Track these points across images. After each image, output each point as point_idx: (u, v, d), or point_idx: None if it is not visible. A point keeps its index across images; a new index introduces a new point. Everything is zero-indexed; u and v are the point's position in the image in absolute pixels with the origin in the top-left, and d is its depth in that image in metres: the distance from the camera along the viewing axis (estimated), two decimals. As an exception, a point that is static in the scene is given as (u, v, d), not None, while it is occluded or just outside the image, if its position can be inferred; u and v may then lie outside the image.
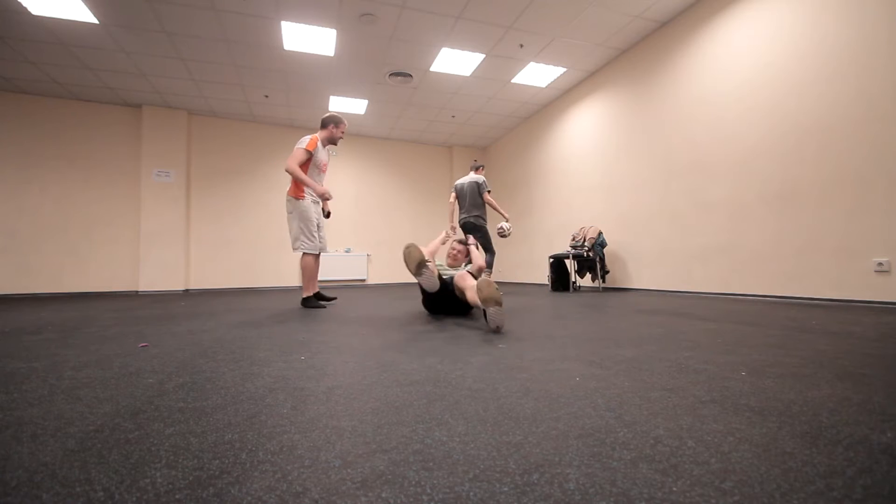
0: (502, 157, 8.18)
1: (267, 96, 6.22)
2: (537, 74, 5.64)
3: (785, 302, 3.25)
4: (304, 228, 3.32)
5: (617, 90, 5.25)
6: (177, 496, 0.57)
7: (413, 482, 0.60)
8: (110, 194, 6.38)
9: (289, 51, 4.95)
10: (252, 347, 1.67)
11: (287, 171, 3.26)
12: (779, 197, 3.47)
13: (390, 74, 5.60)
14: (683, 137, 4.34)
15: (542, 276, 6.67)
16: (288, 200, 3.34)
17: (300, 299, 3.41)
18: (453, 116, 7.11)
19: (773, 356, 1.38)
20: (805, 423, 0.80)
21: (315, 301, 3.35)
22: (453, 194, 5.05)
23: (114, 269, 6.33)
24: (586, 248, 5.04)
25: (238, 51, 4.93)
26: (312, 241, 3.34)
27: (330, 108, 6.68)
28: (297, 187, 3.33)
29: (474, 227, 4.85)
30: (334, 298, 3.63)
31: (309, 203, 3.35)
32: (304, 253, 3.33)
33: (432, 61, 5.26)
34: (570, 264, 5.35)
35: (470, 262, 2.92)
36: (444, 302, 2.64)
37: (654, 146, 4.70)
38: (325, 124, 3.49)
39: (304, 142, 3.32)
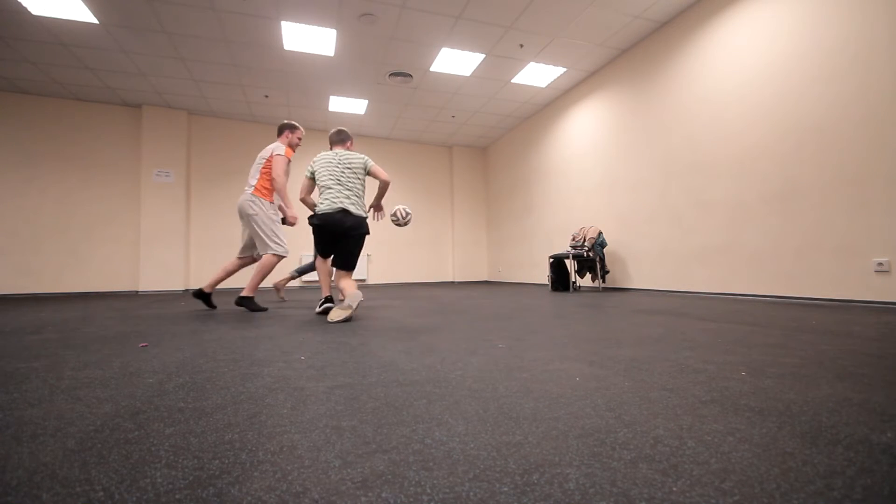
0: (502, 157, 8.18)
1: (267, 96, 6.22)
2: (537, 74, 5.64)
3: (785, 302, 3.25)
4: (276, 231, 3.21)
5: (617, 90, 5.25)
6: (177, 496, 0.57)
7: (413, 482, 0.60)
8: (110, 194, 6.38)
9: (289, 51, 4.95)
10: (252, 347, 1.67)
11: (277, 185, 3.13)
12: (779, 197, 3.47)
13: (390, 74, 5.60)
14: (683, 137, 4.34)
15: (542, 276, 6.67)
16: (255, 201, 3.15)
17: (239, 297, 3.14)
18: (453, 116, 7.11)
19: (773, 356, 1.38)
20: (805, 423, 0.80)
21: (257, 304, 3.18)
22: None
23: (114, 269, 6.33)
24: (586, 248, 5.04)
25: (238, 51, 4.93)
26: (284, 244, 3.24)
27: (330, 109, 6.68)
28: (267, 188, 3.20)
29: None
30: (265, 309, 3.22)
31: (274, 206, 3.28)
32: (274, 254, 3.18)
33: (432, 61, 5.26)
34: (570, 264, 5.35)
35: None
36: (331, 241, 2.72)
37: (654, 146, 4.70)
38: (281, 131, 3.34)
39: (282, 149, 3.20)
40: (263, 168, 3.22)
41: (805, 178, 3.29)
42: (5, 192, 5.87)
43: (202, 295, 3.27)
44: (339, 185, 2.71)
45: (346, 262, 2.68)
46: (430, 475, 0.62)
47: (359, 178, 2.77)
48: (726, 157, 3.90)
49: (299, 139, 3.40)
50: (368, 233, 2.78)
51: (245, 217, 3.19)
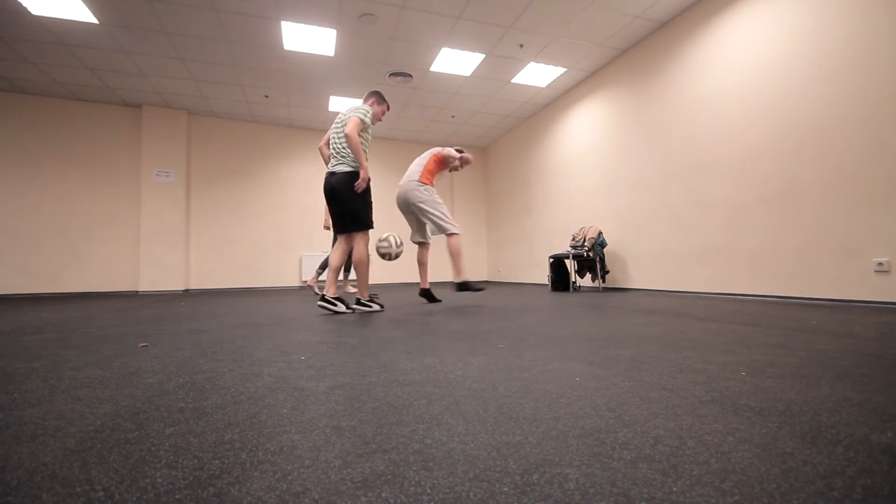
0: (502, 157, 8.18)
1: (267, 96, 6.22)
2: (537, 74, 5.64)
3: (785, 302, 3.25)
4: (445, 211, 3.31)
5: (617, 90, 5.25)
6: (177, 496, 0.57)
7: (413, 482, 0.60)
8: (110, 194, 6.38)
9: (289, 51, 4.94)
10: (252, 347, 1.67)
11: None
12: (779, 197, 3.47)
13: (390, 74, 5.60)
14: (683, 137, 4.34)
15: (542, 276, 6.67)
16: (425, 188, 3.29)
17: (458, 284, 3.30)
18: (453, 116, 7.11)
19: (773, 356, 1.38)
20: (805, 423, 0.80)
21: (475, 284, 3.39)
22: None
23: (114, 269, 6.33)
24: (586, 248, 5.04)
25: (238, 51, 4.93)
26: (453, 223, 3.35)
27: (330, 108, 6.68)
28: (430, 174, 3.33)
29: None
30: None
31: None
32: (454, 234, 3.28)
33: (432, 61, 5.26)
34: (570, 264, 5.35)
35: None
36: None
37: (654, 146, 4.70)
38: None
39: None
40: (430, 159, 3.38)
41: (805, 178, 3.29)
42: (5, 192, 5.87)
43: (426, 294, 3.49)
44: (335, 147, 2.61)
45: (345, 224, 2.58)
46: (430, 475, 0.62)
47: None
48: (726, 157, 3.90)
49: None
50: (356, 187, 2.55)
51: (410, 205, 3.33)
